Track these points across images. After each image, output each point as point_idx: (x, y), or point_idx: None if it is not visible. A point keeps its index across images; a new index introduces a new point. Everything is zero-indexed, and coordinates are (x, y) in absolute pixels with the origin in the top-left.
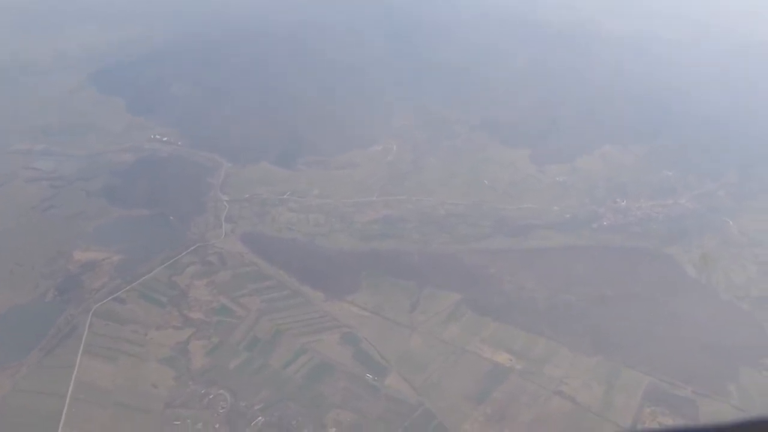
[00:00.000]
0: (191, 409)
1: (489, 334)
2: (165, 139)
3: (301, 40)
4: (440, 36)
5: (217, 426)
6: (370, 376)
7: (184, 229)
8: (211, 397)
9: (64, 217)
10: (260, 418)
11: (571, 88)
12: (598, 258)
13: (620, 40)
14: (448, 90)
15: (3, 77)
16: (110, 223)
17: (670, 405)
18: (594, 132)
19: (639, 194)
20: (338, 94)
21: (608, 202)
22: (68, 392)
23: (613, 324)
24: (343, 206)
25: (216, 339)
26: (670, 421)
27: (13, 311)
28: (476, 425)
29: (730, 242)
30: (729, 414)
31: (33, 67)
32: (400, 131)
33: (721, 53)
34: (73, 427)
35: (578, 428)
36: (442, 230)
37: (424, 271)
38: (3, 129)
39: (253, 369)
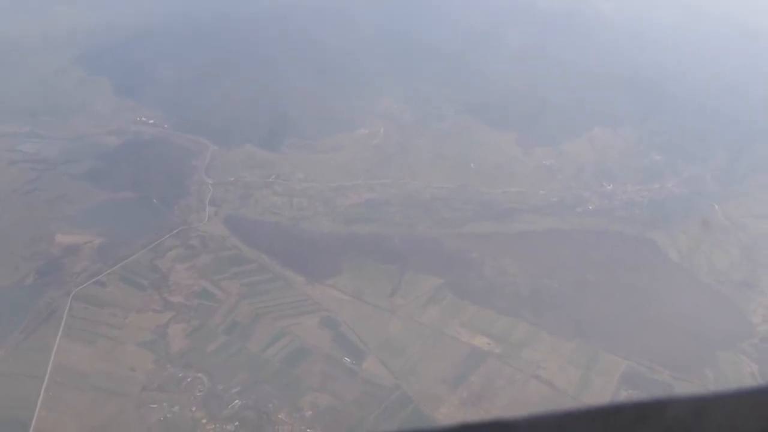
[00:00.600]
0: (168, 393)
1: (468, 318)
2: (151, 121)
3: (292, 23)
4: (431, 19)
5: (193, 409)
6: (348, 360)
7: (167, 213)
8: (188, 380)
9: (47, 200)
10: (237, 401)
11: (561, 72)
12: (581, 242)
13: (615, 23)
14: (437, 73)
15: None
16: (93, 206)
17: (646, 389)
18: (583, 115)
19: (626, 178)
20: (326, 77)
21: (594, 186)
22: (46, 375)
23: (593, 309)
24: (327, 190)
25: (196, 322)
26: None
27: None
28: (452, 408)
29: (714, 226)
30: None
31: (19, 47)
32: (388, 114)
33: (717, 38)
34: (50, 409)
35: None
36: (425, 214)
37: (405, 255)
38: None
39: (231, 352)
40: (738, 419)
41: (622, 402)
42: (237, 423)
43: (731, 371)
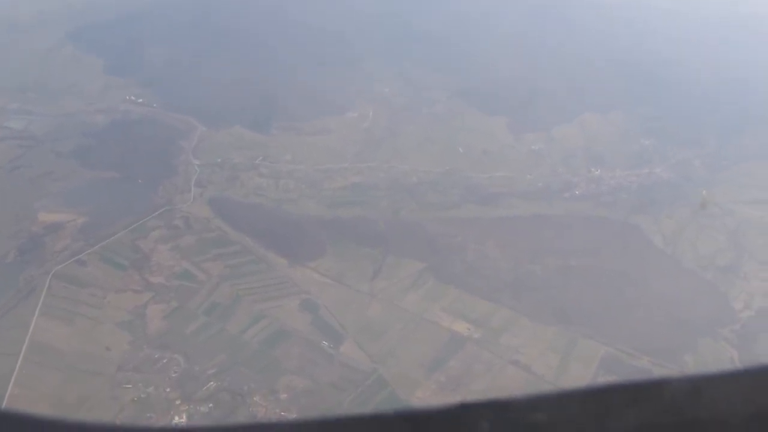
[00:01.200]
0: (143, 373)
1: (449, 303)
2: (140, 100)
3: (285, 6)
4: (425, 3)
5: (168, 390)
6: (326, 343)
7: (153, 193)
8: (164, 361)
9: (31, 178)
10: (212, 382)
11: (554, 57)
12: (566, 227)
13: (611, 8)
14: (430, 58)
15: None
16: (78, 184)
17: (624, 374)
18: (574, 101)
19: (614, 163)
20: (317, 60)
21: (582, 171)
22: (21, 353)
23: (574, 294)
24: (314, 172)
25: (175, 303)
26: None
27: None
28: (428, 393)
29: (700, 212)
30: None
31: (12, 25)
32: (379, 98)
33: (715, 23)
34: (23, 386)
35: None
36: (411, 198)
37: (389, 238)
38: None
39: (209, 334)
40: (734, 400)
41: (620, 382)
42: (211, 404)
43: (711, 357)
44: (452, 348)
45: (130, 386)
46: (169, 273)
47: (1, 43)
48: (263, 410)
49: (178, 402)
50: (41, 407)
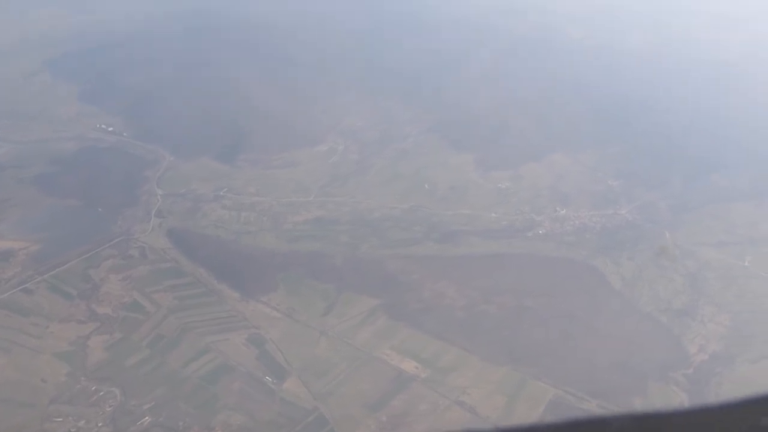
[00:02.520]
0: (76, 406)
1: (400, 341)
2: (110, 129)
3: (262, 37)
4: (402, 38)
5: (100, 424)
6: (269, 379)
7: (111, 222)
8: (100, 394)
9: None
10: (147, 418)
11: (527, 95)
12: (525, 267)
13: (583, 48)
14: (405, 92)
15: None
16: (36, 212)
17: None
18: (545, 139)
19: (581, 203)
20: (291, 92)
21: (548, 210)
22: None
23: (528, 335)
24: (277, 205)
25: (119, 335)
26: None
27: None
28: None
29: (661, 254)
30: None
31: None
32: (350, 131)
33: (687, 66)
34: None
35: None
36: (372, 234)
37: (345, 274)
38: None
39: (150, 367)
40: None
41: (609, 414)
42: None
43: (660, 401)
44: (398, 387)
45: (60, 419)
46: (117, 303)
47: None
48: None
49: None
50: None
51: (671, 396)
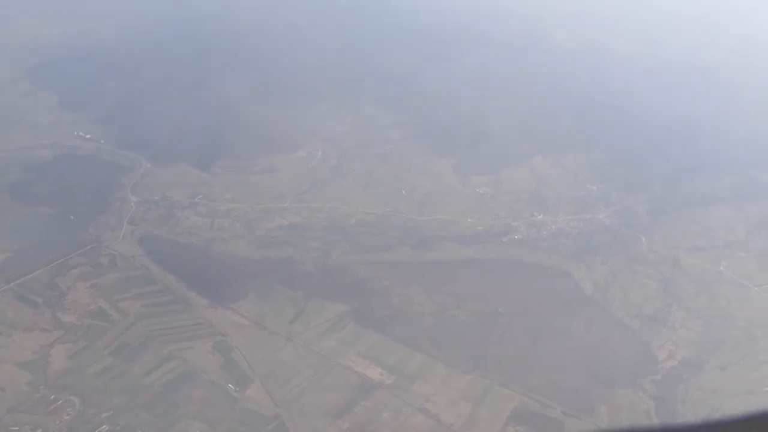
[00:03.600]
0: (34, 415)
1: (366, 348)
2: (88, 136)
3: (246, 44)
4: (385, 42)
5: None
6: (232, 387)
7: (83, 230)
8: (59, 402)
9: None
10: (104, 426)
11: (510, 99)
12: (497, 273)
13: (569, 52)
14: (388, 97)
15: None
16: (8, 220)
17: (535, 425)
18: (526, 143)
19: (559, 208)
20: (273, 98)
21: (525, 215)
22: None
23: (496, 341)
24: (252, 212)
25: (83, 343)
26: None
27: None
28: None
29: (636, 259)
30: None
31: None
32: (331, 137)
33: (672, 70)
34: None
35: None
36: (345, 240)
37: (315, 281)
38: None
39: (112, 375)
40: None
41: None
42: None
43: (626, 408)
44: (361, 394)
45: (17, 428)
46: (82, 312)
47: None
48: None
49: None
50: None
51: (638, 403)
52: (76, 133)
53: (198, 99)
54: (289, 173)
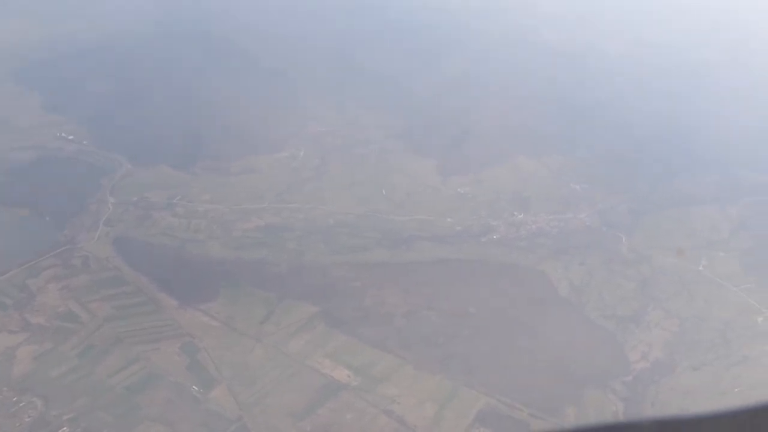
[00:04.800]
0: None
1: (334, 349)
2: (71, 137)
3: (233, 45)
4: (370, 42)
5: None
6: (196, 389)
7: (58, 231)
8: (21, 404)
9: None
10: (65, 428)
11: (497, 99)
12: (472, 273)
13: (559, 51)
14: (373, 98)
15: None
16: None
17: (500, 427)
18: (510, 143)
19: (540, 208)
20: (256, 98)
21: (505, 215)
22: None
23: (467, 342)
24: (230, 213)
25: (49, 345)
26: None
27: None
28: None
29: (615, 259)
30: None
31: None
32: (313, 137)
33: (661, 67)
34: None
35: None
36: (322, 241)
37: (288, 282)
38: None
39: (76, 377)
40: None
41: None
42: None
43: (594, 410)
44: (326, 395)
45: None
46: (51, 313)
47: None
48: None
49: None
50: None
51: (607, 404)
52: (58, 134)
53: (183, 100)
54: (270, 174)
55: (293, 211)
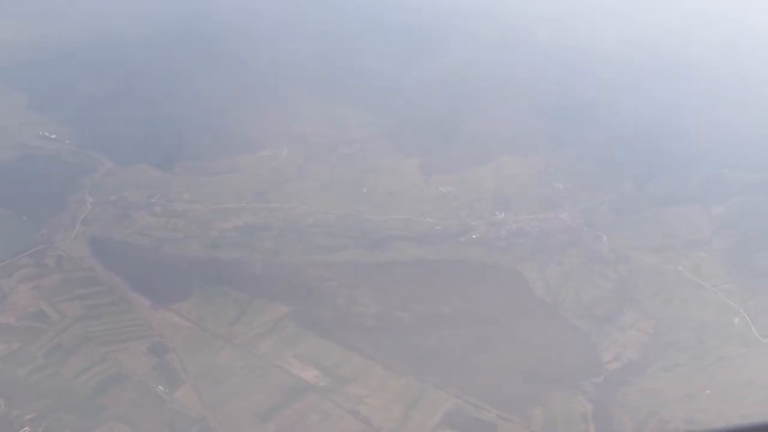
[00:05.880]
0: None
1: (304, 350)
2: (54, 137)
3: (219, 42)
4: (364, 42)
5: None
6: (162, 389)
7: (34, 231)
8: None
9: None
10: (27, 428)
11: (484, 97)
12: (448, 273)
13: (550, 49)
14: (360, 97)
15: None
16: None
17: (467, 428)
18: (495, 142)
19: (521, 207)
20: (242, 97)
21: (486, 214)
22: None
23: (438, 343)
24: (209, 212)
25: (17, 345)
26: None
27: None
28: None
29: (594, 259)
30: None
31: None
32: (298, 136)
33: (652, 65)
34: None
35: None
36: (299, 241)
37: (262, 282)
38: None
39: (41, 377)
40: None
41: None
42: None
43: (562, 412)
44: (293, 396)
45: None
46: (22, 313)
47: None
48: None
49: None
50: None
51: (575, 406)
52: (42, 133)
53: (168, 99)
54: (251, 173)
55: (272, 210)
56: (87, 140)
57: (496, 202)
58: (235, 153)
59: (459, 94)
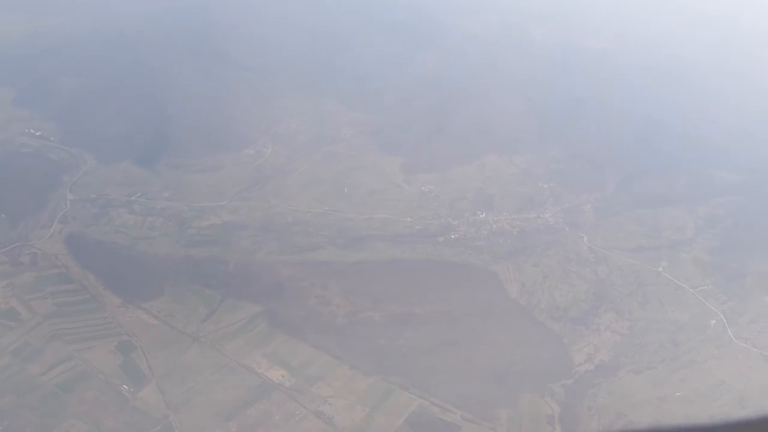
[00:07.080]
0: None
1: (273, 349)
2: (38, 133)
3: (211, 39)
4: (353, 40)
5: None
6: (126, 387)
7: (11, 228)
8: None
9: None
10: None
11: (472, 96)
12: (422, 273)
13: (543, 48)
14: (346, 95)
15: None
16: None
17: (431, 430)
18: (481, 141)
19: (504, 207)
20: (227, 95)
21: (467, 214)
22: None
23: (407, 344)
24: (188, 210)
25: None
26: None
27: None
28: None
29: (572, 259)
30: None
31: None
32: (283, 134)
33: (645, 64)
34: None
35: None
36: (276, 239)
37: (234, 280)
38: None
39: (6, 375)
40: None
41: None
42: None
43: (528, 414)
44: (257, 396)
45: None
46: None
47: None
48: None
49: None
50: None
51: (543, 408)
52: (26, 130)
53: (154, 97)
54: (233, 171)
55: (251, 209)
56: (71, 137)
57: (478, 202)
58: (219, 151)
59: (447, 93)
